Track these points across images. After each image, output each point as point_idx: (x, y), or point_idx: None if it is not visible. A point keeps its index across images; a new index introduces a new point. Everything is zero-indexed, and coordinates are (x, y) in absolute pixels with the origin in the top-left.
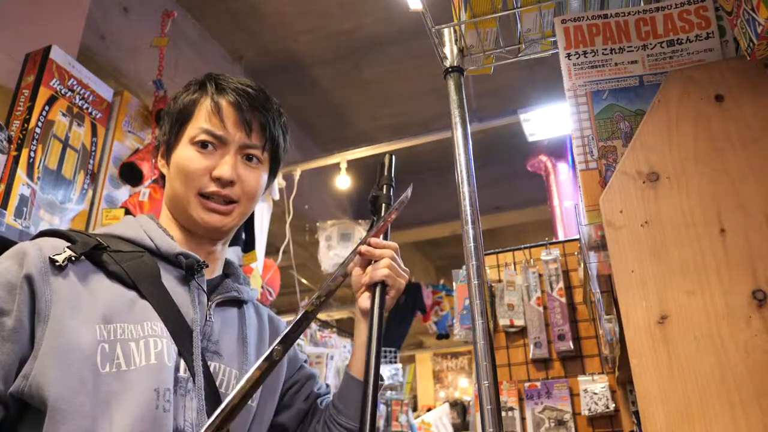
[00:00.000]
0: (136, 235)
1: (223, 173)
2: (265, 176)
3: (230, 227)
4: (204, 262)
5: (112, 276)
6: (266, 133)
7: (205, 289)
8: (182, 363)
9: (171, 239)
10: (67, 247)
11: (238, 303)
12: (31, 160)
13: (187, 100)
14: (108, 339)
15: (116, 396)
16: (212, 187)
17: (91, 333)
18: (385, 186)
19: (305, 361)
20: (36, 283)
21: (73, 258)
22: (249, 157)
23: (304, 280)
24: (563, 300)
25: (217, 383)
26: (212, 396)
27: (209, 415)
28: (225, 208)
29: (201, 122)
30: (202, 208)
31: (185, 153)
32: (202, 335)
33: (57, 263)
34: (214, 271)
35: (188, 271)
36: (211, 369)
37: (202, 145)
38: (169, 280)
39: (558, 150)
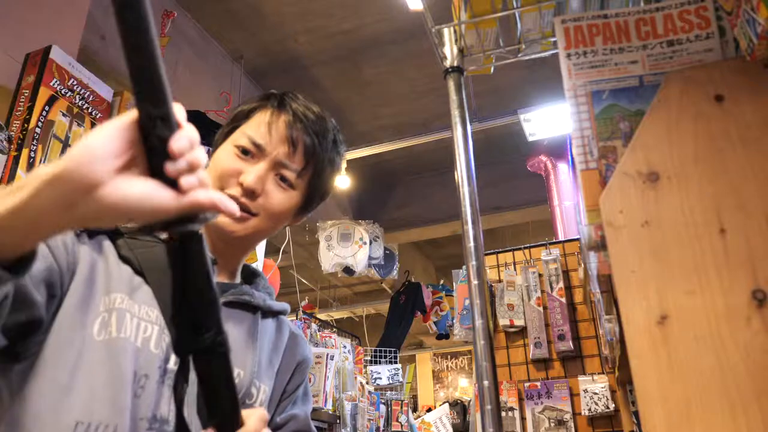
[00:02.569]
0: None
1: (246, 179)
2: (295, 202)
3: (240, 236)
4: (215, 259)
5: (122, 259)
6: (310, 158)
7: None
8: (173, 354)
9: None
10: None
11: (250, 308)
12: (32, 160)
13: (247, 107)
14: (108, 308)
15: (103, 364)
16: (235, 191)
17: (96, 303)
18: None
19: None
20: (68, 242)
21: (92, 230)
22: (282, 178)
23: (304, 280)
24: (563, 300)
25: None
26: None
27: (199, 408)
28: (240, 215)
29: (249, 129)
30: None
31: (224, 152)
32: None
33: (77, 233)
34: (228, 277)
35: None
36: None
37: (243, 151)
38: None
39: (558, 150)
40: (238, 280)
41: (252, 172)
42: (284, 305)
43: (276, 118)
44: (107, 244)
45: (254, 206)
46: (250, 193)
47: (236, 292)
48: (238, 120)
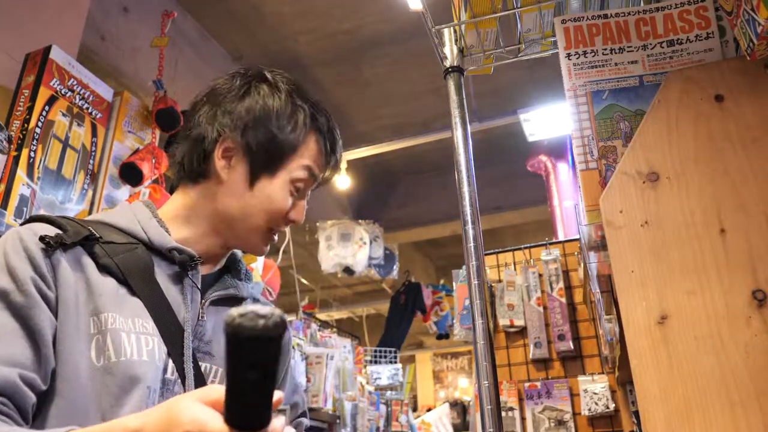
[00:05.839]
0: (130, 225)
1: (298, 218)
2: None
3: None
4: (199, 258)
5: (103, 269)
6: (333, 170)
7: (199, 286)
8: (170, 364)
9: (165, 232)
10: (59, 234)
11: (236, 300)
12: (31, 160)
13: (299, 134)
14: (100, 329)
15: (110, 390)
16: (282, 225)
17: (85, 325)
18: None
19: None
20: (42, 269)
21: (66, 243)
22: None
23: (304, 280)
24: (563, 300)
25: (208, 384)
26: None
27: None
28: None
29: (307, 159)
30: (264, 240)
31: (282, 192)
32: (194, 335)
33: (50, 246)
34: (213, 266)
35: (181, 266)
36: (202, 369)
37: (297, 189)
38: (162, 275)
39: (558, 150)
40: (219, 266)
41: (302, 209)
42: (259, 286)
43: (325, 149)
44: (85, 257)
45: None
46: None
47: (220, 288)
48: (289, 148)
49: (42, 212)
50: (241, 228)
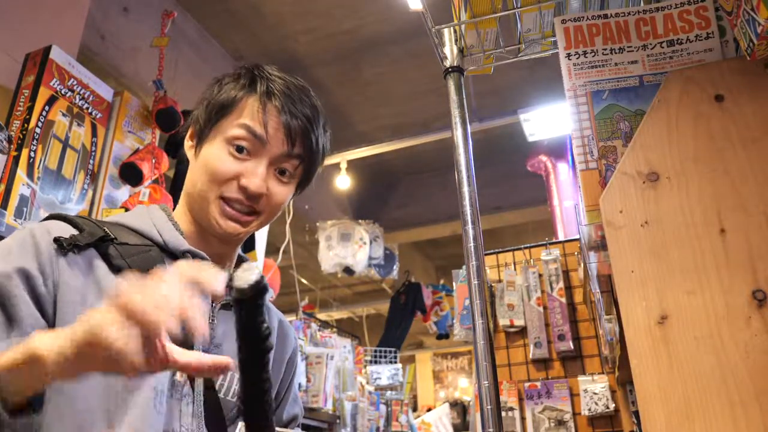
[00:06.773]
0: (145, 227)
1: (251, 185)
2: (292, 190)
3: (245, 235)
4: (210, 261)
5: (116, 270)
6: (306, 147)
7: None
8: None
9: (180, 235)
10: (73, 235)
11: None
12: (31, 160)
13: (232, 94)
14: None
15: (116, 391)
16: (237, 194)
17: None
18: None
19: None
20: (45, 266)
21: (79, 244)
22: (282, 171)
23: (304, 280)
24: (563, 300)
25: (217, 387)
26: (212, 401)
27: (207, 421)
28: (245, 218)
29: (243, 118)
30: (220, 212)
31: (217, 152)
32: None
33: (63, 248)
34: (222, 269)
35: None
36: None
37: (238, 149)
38: None
39: (558, 150)
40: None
41: (256, 177)
42: (270, 290)
43: (267, 108)
44: (97, 259)
45: (259, 207)
46: (256, 197)
47: None
48: (224, 110)
49: (42, 212)
50: (197, 202)
